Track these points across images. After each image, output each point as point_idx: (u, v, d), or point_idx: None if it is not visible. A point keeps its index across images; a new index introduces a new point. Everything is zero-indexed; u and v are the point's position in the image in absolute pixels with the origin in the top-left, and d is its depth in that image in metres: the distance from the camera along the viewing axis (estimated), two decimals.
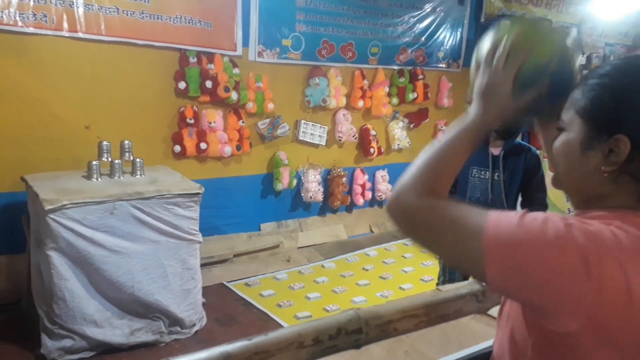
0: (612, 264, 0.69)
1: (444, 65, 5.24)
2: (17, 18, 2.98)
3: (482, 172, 2.55)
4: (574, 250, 0.69)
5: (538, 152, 2.63)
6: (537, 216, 0.74)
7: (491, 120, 0.88)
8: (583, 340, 0.71)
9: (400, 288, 3.74)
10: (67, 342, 2.59)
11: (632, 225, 0.74)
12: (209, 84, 3.69)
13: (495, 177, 2.53)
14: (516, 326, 0.84)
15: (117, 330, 2.70)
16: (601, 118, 0.78)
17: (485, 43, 0.91)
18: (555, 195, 5.43)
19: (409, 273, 4.02)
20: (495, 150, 2.52)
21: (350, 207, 4.89)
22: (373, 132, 4.82)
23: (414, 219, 0.83)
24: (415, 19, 4.84)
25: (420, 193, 0.83)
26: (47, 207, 2.42)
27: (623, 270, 0.69)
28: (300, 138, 4.38)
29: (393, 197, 0.85)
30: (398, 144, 4.99)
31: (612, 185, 0.79)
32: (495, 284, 0.75)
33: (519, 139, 2.65)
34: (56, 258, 2.50)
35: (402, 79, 4.88)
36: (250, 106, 3.98)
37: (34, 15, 3.03)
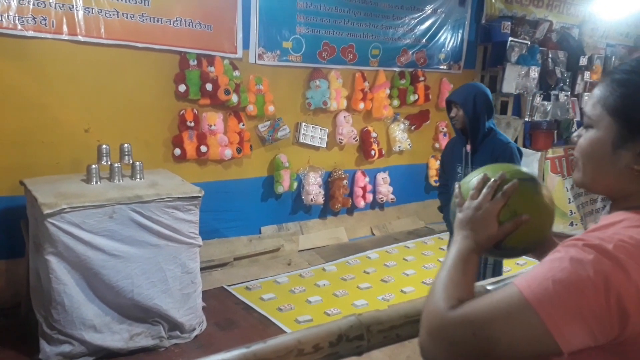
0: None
1: (445, 67, 5.22)
2: (17, 22, 2.97)
3: (460, 168, 2.78)
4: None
5: (514, 145, 2.73)
6: (559, 262, 0.70)
7: (478, 249, 0.88)
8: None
9: (401, 291, 3.71)
10: (66, 348, 2.57)
11: None
12: (209, 86, 3.67)
13: (468, 172, 2.66)
14: None
15: (116, 335, 2.68)
16: (634, 117, 0.77)
17: (475, 178, 0.95)
18: (558, 198, 5.40)
19: (410, 276, 4.00)
20: (468, 147, 2.72)
21: (351, 210, 4.87)
22: (374, 134, 4.80)
23: (455, 340, 0.74)
24: (416, 20, 4.83)
25: (447, 309, 0.76)
26: (46, 211, 2.41)
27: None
28: (301, 140, 4.37)
29: (424, 334, 0.78)
30: (399, 146, 4.97)
31: None
32: (569, 345, 0.68)
33: (505, 136, 2.79)
34: (55, 263, 2.49)
35: (403, 81, 4.86)
36: (251, 109, 3.97)
37: (34, 18, 3.02)
